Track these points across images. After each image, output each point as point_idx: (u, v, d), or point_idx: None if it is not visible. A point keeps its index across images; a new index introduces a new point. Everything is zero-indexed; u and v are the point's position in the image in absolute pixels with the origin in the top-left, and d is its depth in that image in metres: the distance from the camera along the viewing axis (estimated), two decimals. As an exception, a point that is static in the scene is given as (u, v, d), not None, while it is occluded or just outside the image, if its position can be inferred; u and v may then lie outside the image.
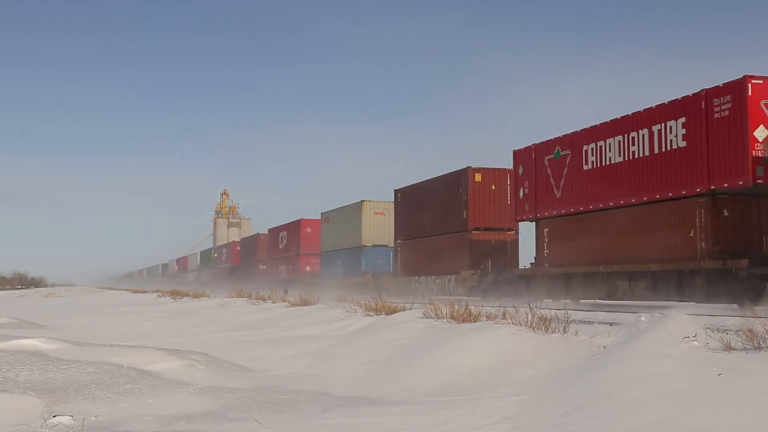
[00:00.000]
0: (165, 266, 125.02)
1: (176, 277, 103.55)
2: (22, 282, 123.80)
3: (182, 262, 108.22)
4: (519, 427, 7.17)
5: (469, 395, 8.89)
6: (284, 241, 53.37)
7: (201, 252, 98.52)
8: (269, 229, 58.16)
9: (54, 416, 7.49)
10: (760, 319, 9.40)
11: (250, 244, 66.61)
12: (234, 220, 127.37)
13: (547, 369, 9.71)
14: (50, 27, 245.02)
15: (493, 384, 9.39)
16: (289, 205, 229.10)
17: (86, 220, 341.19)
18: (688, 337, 9.19)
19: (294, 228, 51.19)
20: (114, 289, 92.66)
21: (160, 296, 44.95)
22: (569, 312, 12.04)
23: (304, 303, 22.98)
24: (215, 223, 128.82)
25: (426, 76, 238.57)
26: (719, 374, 7.44)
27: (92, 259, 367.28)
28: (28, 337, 12.84)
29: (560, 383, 8.70)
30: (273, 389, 9.98)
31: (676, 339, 9.20)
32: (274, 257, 55.84)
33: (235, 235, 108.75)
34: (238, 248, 71.88)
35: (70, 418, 7.47)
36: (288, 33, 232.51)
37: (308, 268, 48.13)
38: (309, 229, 48.66)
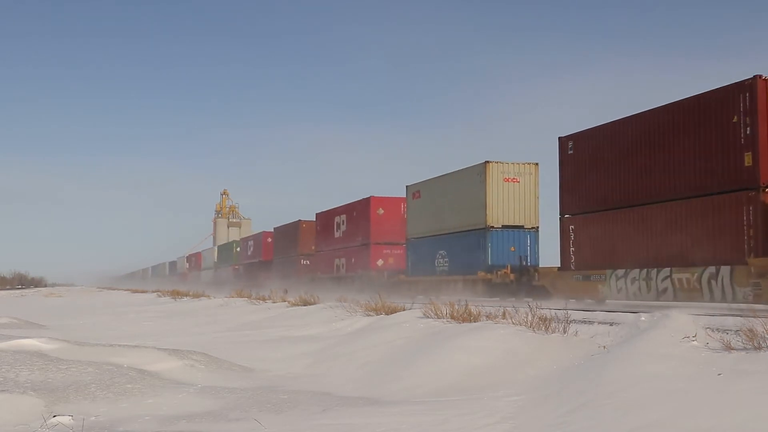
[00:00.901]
0: (173, 264, 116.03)
1: (187, 276, 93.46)
2: (22, 282, 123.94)
3: (194, 259, 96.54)
4: (519, 427, 7.17)
5: (469, 395, 8.90)
6: (343, 228, 41.56)
7: (219, 246, 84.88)
8: (318, 214, 46.42)
9: (54, 416, 7.49)
10: (760, 319, 9.41)
11: (289, 233, 53.33)
12: (234, 220, 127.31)
13: (547, 369, 9.71)
14: (50, 27, 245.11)
15: (493, 384, 9.40)
16: (289, 205, 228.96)
17: (86, 220, 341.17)
18: (688, 337, 9.19)
19: (360, 209, 39.03)
20: (114, 289, 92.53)
21: (159, 296, 44.96)
22: (569, 312, 12.05)
23: (304, 303, 22.99)
24: (215, 223, 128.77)
25: (426, 77, 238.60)
26: (719, 374, 7.44)
27: (92, 259, 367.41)
28: (28, 337, 12.85)
29: (560, 383, 8.70)
30: (273, 389, 9.98)
31: (676, 339, 9.20)
32: (327, 249, 43.95)
33: (235, 235, 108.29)
34: (270, 239, 59.10)
35: (70, 418, 7.47)
36: (287, 33, 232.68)
37: (380, 262, 36.97)
38: (381, 210, 37.36)
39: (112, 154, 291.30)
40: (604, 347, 9.92)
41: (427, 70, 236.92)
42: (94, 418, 7.83)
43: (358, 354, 12.45)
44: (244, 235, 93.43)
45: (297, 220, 51.20)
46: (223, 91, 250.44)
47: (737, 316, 11.34)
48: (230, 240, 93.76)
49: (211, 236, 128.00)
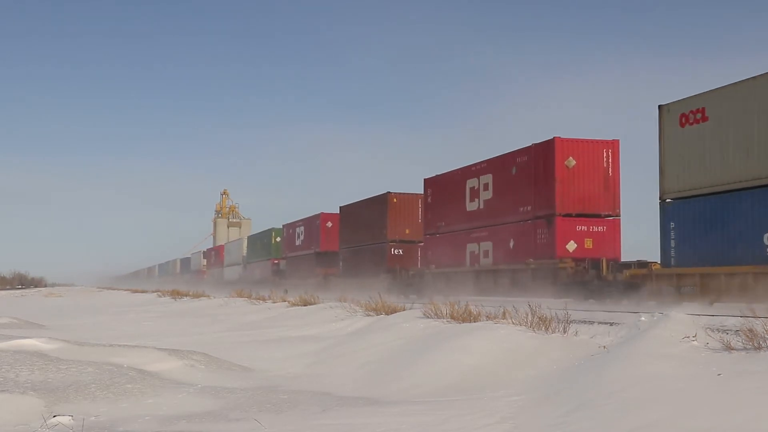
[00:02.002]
0: (186, 261, 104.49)
1: (205, 275, 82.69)
2: (22, 282, 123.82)
3: (215, 254, 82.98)
4: (519, 427, 7.17)
5: (469, 395, 8.89)
6: (486, 194, 27.45)
7: (250, 237, 69.09)
8: (429, 180, 32.28)
9: (54, 416, 7.50)
10: (760, 319, 9.41)
11: (367, 212, 38.00)
12: (234, 220, 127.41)
13: (547, 369, 9.71)
14: (50, 27, 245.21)
15: (493, 384, 9.39)
16: (289, 205, 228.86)
17: (86, 220, 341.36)
18: (688, 337, 9.19)
19: (527, 162, 25.11)
20: (115, 289, 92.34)
21: (160, 296, 44.96)
22: (569, 312, 12.04)
23: (305, 303, 23.00)
24: (215, 223, 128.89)
25: (426, 77, 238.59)
26: (719, 374, 7.44)
27: (92, 259, 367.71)
28: (28, 337, 12.84)
29: (560, 383, 8.70)
30: (273, 389, 9.98)
31: (676, 339, 9.20)
32: (448, 229, 30.03)
33: (235, 235, 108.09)
34: (330, 223, 44.87)
35: (70, 418, 7.47)
36: (287, 33, 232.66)
37: (572, 246, 23.39)
38: (573, 161, 23.58)
39: (112, 155, 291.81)
40: (604, 347, 9.92)
41: (427, 70, 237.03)
42: (94, 418, 7.83)
43: (359, 354, 12.45)
44: (244, 235, 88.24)
45: (385, 192, 36.38)
46: (223, 91, 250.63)
47: (737, 316, 11.34)
48: (230, 239, 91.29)
49: (211, 236, 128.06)
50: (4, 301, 55.19)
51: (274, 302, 26.07)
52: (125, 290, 78.79)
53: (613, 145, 23.99)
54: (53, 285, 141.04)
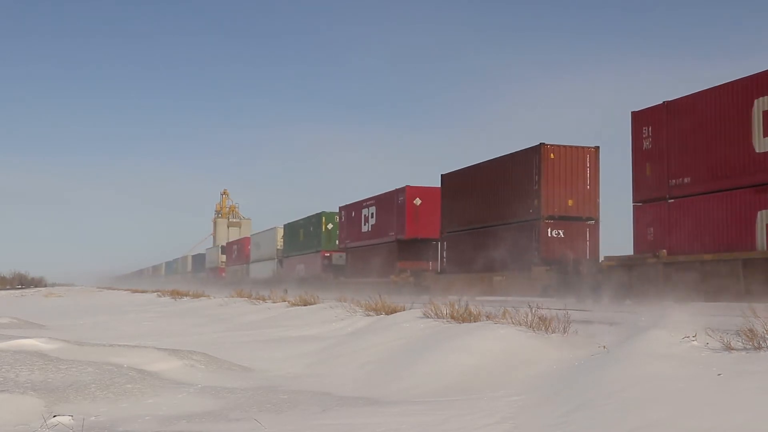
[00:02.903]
0: (199, 258, 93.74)
1: (224, 273, 73.09)
2: (22, 282, 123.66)
3: (237, 249, 71.52)
4: (519, 427, 7.17)
5: (469, 395, 8.89)
6: None
7: (288, 225, 53.76)
8: (640, 112, 20.36)
9: (54, 416, 7.49)
10: (760, 319, 9.40)
11: (500, 176, 26.89)
12: (234, 220, 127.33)
13: (547, 369, 9.71)
14: (50, 27, 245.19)
15: (493, 384, 9.39)
16: (289, 205, 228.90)
17: (86, 220, 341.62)
18: (688, 337, 9.18)
19: None
20: (114, 289, 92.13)
21: (159, 296, 44.94)
22: (569, 312, 12.04)
23: (305, 303, 23.02)
24: (215, 223, 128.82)
25: (426, 77, 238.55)
26: (719, 374, 7.44)
27: (92, 259, 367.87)
28: (28, 337, 12.84)
29: (560, 383, 8.70)
30: (273, 389, 9.98)
31: (676, 339, 9.19)
32: (698, 190, 18.52)
33: (235, 235, 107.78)
34: (418, 201, 33.97)
35: (70, 418, 7.47)
36: (287, 33, 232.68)
37: None
38: None
39: (112, 154, 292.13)
40: (604, 347, 9.91)
41: (427, 70, 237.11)
42: (94, 418, 7.83)
43: (359, 354, 12.45)
44: (244, 235, 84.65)
45: (536, 144, 25.01)
46: (223, 91, 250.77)
47: (738, 316, 11.33)
48: (230, 239, 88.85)
49: (211, 236, 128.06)
50: (4, 301, 55.16)
51: (274, 302, 26.10)
52: (125, 290, 78.63)
53: None
54: (53, 285, 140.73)
